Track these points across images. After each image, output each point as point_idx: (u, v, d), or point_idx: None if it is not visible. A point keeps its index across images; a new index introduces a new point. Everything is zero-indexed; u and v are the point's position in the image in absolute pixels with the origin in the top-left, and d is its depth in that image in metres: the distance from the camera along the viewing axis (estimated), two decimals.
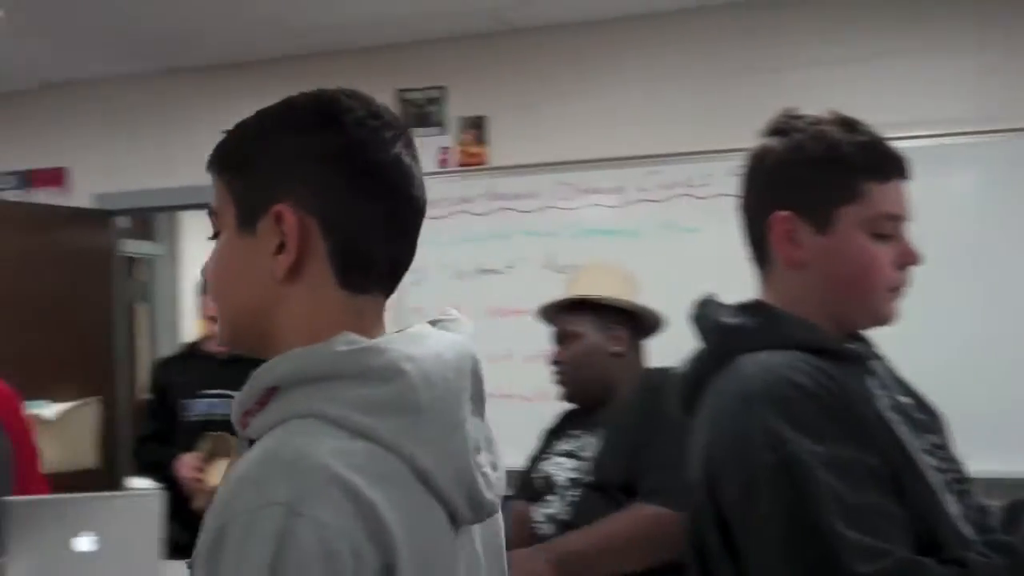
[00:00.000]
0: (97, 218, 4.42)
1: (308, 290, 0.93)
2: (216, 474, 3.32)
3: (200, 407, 3.42)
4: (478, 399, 0.97)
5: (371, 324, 0.94)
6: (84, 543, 2.41)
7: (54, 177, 4.48)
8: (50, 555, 2.41)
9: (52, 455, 3.56)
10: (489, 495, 0.95)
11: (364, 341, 0.89)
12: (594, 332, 2.25)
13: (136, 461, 3.56)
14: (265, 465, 0.81)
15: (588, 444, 2.21)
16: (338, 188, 0.92)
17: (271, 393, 0.89)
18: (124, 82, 4.39)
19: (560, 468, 2.22)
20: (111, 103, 4.44)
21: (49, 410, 3.88)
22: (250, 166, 0.93)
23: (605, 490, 2.09)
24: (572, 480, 2.18)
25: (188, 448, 3.31)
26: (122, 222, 4.75)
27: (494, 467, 0.98)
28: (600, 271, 2.41)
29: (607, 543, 2.01)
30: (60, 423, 3.85)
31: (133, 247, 5.36)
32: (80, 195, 4.45)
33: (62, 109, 4.49)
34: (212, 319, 3.51)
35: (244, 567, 0.76)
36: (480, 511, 0.94)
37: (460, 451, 0.91)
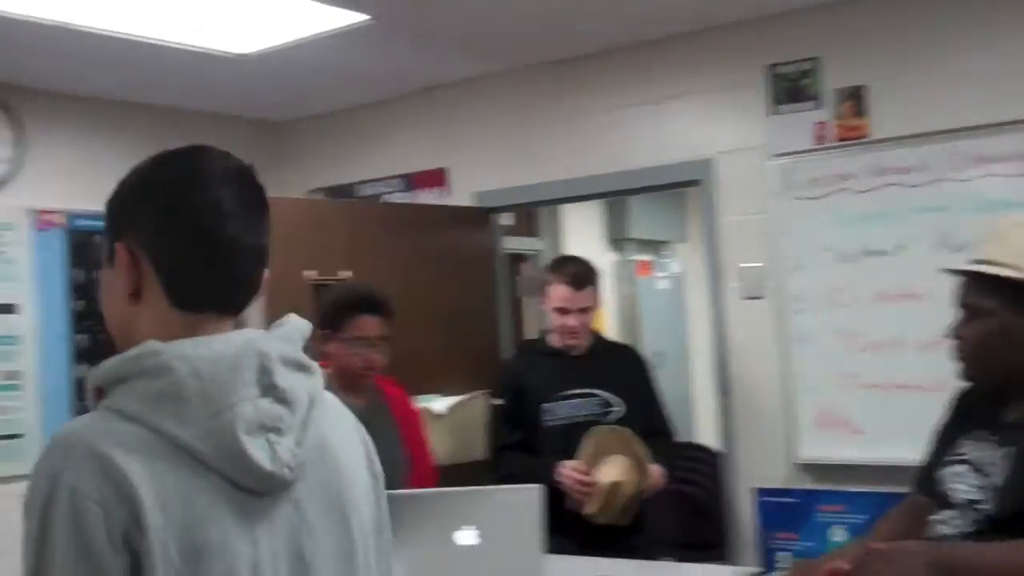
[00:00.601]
0: (478, 216, 5.10)
1: (149, 310, 1.34)
2: (608, 472, 3.54)
3: (563, 410, 3.69)
4: (269, 387, 1.29)
5: (207, 336, 1.30)
6: (466, 537, 2.67)
7: (435, 178, 5.23)
8: (433, 548, 2.70)
9: (443, 448, 4.01)
10: (272, 467, 1.26)
11: (149, 347, 1.25)
12: (1008, 313, 2.13)
13: (496, 471, 3.77)
14: (47, 447, 1.22)
15: (991, 457, 2.14)
16: (158, 229, 1.33)
17: (100, 393, 1.28)
18: (495, 80, 5.00)
19: (959, 481, 2.17)
20: (485, 102, 5.07)
21: (440, 404, 4.48)
22: (108, 211, 1.38)
23: (1013, 524, 2.01)
24: (970, 502, 2.13)
25: (553, 455, 3.56)
26: (505, 219, 5.35)
27: (297, 443, 1.31)
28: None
29: (1010, 571, 1.95)
30: (450, 416, 4.44)
31: (517, 244, 6.03)
32: (461, 194, 5.14)
33: (440, 111, 5.19)
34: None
35: (27, 527, 1.19)
36: (267, 481, 1.27)
37: (226, 430, 1.24)
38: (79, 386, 4.82)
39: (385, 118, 5.45)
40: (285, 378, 1.33)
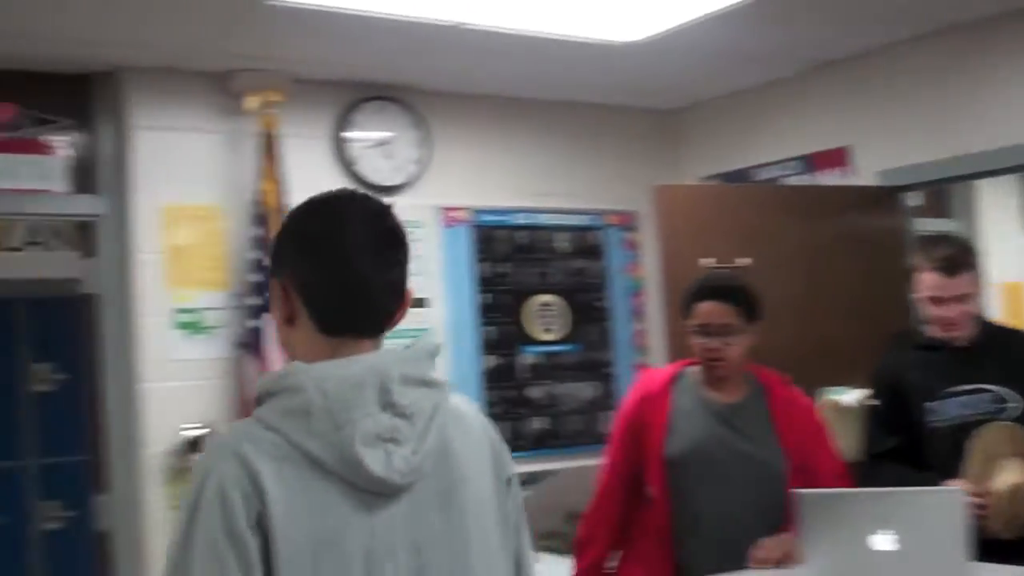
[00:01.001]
0: (884, 196, 4.79)
1: (302, 333, 1.61)
2: (1005, 478, 3.13)
3: (950, 409, 3.27)
4: (388, 403, 1.52)
5: (343, 358, 1.55)
6: (883, 541, 2.55)
7: (836, 157, 4.94)
8: (845, 551, 2.60)
9: (853, 443, 3.72)
10: (385, 473, 1.50)
11: (291, 367, 1.54)
12: None
13: (866, 484, 3.20)
14: (207, 447, 1.58)
15: None
16: (303, 268, 1.60)
17: (258, 402, 1.55)
18: (900, 49, 4.66)
19: None
20: (889, 73, 4.75)
21: (849, 396, 4.25)
22: (270, 251, 1.68)
23: None
24: None
25: (941, 460, 3.17)
26: (913, 199, 5.00)
27: (418, 455, 1.54)
28: None
29: None
30: (861, 409, 4.01)
31: (927, 225, 5.46)
32: (864, 174, 4.83)
33: (840, 86, 4.93)
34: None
35: (182, 508, 1.48)
36: (380, 484, 1.50)
37: (345, 442, 1.49)
38: (487, 377, 5.01)
39: (779, 98, 5.26)
40: (404, 395, 1.55)
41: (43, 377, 6.29)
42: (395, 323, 1.66)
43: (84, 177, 4.42)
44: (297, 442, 1.50)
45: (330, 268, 1.60)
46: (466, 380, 4.95)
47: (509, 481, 1.73)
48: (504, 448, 1.75)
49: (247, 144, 4.54)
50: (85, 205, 4.41)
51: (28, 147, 4.31)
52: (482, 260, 5.11)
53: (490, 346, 5.07)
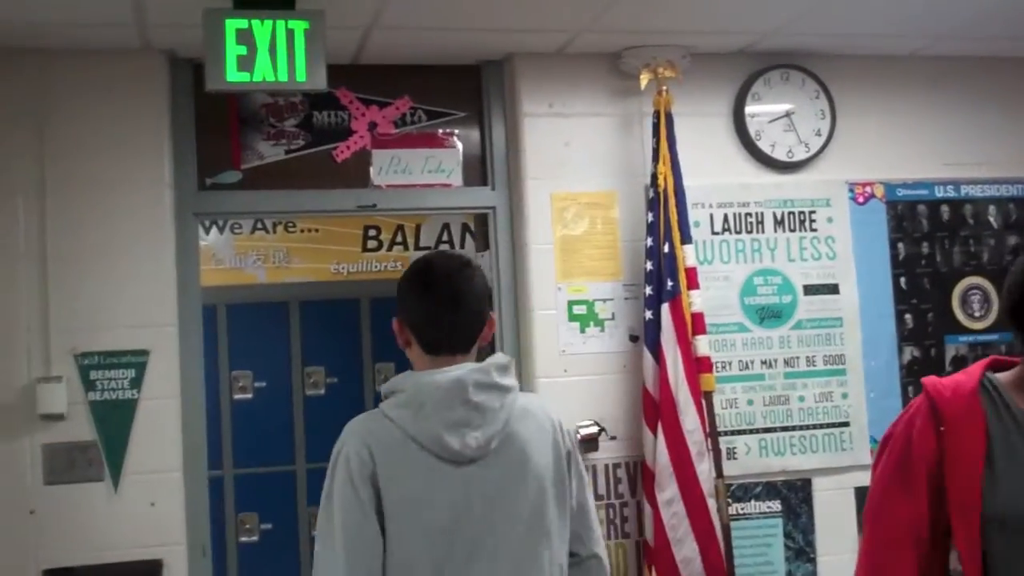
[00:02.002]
0: None
1: (416, 352, 2.37)
2: None
3: None
4: (469, 404, 2.25)
5: (440, 368, 2.29)
6: None
7: None
8: None
9: None
10: (461, 448, 2.23)
11: (403, 376, 2.33)
12: None
13: None
14: (346, 428, 2.31)
15: None
16: (409, 309, 2.36)
17: (385, 398, 2.33)
18: None
19: None
20: None
21: None
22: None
23: None
24: None
25: None
26: None
27: (486, 435, 2.26)
28: None
29: None
30: None
31: None
32: None
33: None
34: None
35: (328, 470, 2.25)
36: (457, 455, 2.23)
37: (434, 427, 2.22)
38: (906, 370, 4.57)
39: None
40: (478, 395, 2.28)
41: None
42: (481, 341, 2.42)
43: (477, 169, 4.41)
44: (402, 427, 2.27)
45: (427, 309, 2.37)
46: (882, 373, 4.56)
47: (568, 455, 2.42)
48: (564, 432, 2.44)
49: (641, 126, 4.40)
50: (479, 197, 4.40)
51: (423, 141, 4.35)
52: (898, 239, 4.68)
53: (909, 336, 4.63)
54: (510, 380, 2.36)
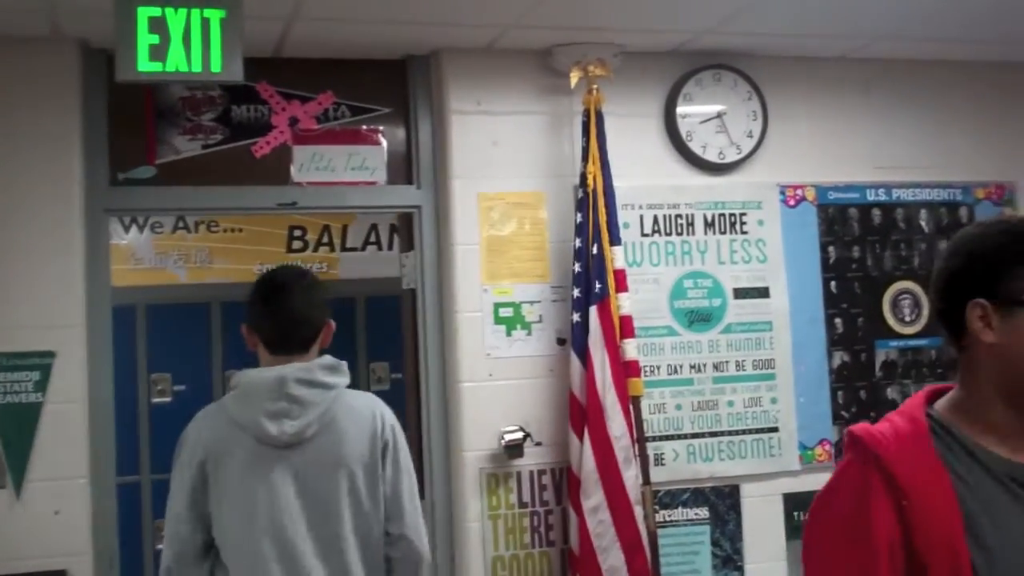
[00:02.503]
0: None
1: (261, 352, 2.87)
2: None
3: None
4: (288, 397, 2.72)
5: (273, 366, 2.79)
6: None
7: None
8: None
9: None
10: (277, 433, 2.71)
11: (240, 373, 2.84)
12: None
13: None
14: (195, 417, 2.90)
15: None
16: (252, 314, 2.89)
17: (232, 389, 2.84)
18: None
19: None
20: None
21: None
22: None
23: None
24: None
25: None
26: None
27: (302, 424, 2.74)
28: None
29: None
30: None
31: None
32: None
33: None
34: None
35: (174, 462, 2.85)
36: (274, 440, 2.71)
37: (253, 413, 2.70)
38: (836, 375, 4.56)
39: None
40: (298, 390, 2.75)
41: (381, 376, 6.45)
42: (316, 345, 2.91)
43: (402, 167, 4.33)
44: (232, 414, 2.77)
45: (264, 314, 2.87)
46: (811, 377, 4.56)
47: (385, 446, 2.86)
48: (388, 427, 2.89)
49: (570, 125, 4.35)
50: (404, 196, 4.32)
51: (346, 137, 4.26)
52: (829, 243, 4.67)
53: (840, 340, 4.62)
54: (335, 379, 2.83)
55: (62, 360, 3.79)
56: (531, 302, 4.25)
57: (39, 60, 3.87)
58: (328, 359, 2.85)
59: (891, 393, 4.67)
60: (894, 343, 4.71)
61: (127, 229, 6.43)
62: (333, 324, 2.96)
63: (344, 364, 2.89)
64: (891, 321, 4.72)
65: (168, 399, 6.39)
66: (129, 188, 4.08)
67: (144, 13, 3.29)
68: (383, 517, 2.83)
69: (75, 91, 3.92)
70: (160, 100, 4.14)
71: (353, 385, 2.97)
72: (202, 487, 2.75)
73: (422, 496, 3.95)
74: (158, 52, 3.30)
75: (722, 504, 4.40)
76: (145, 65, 3.30)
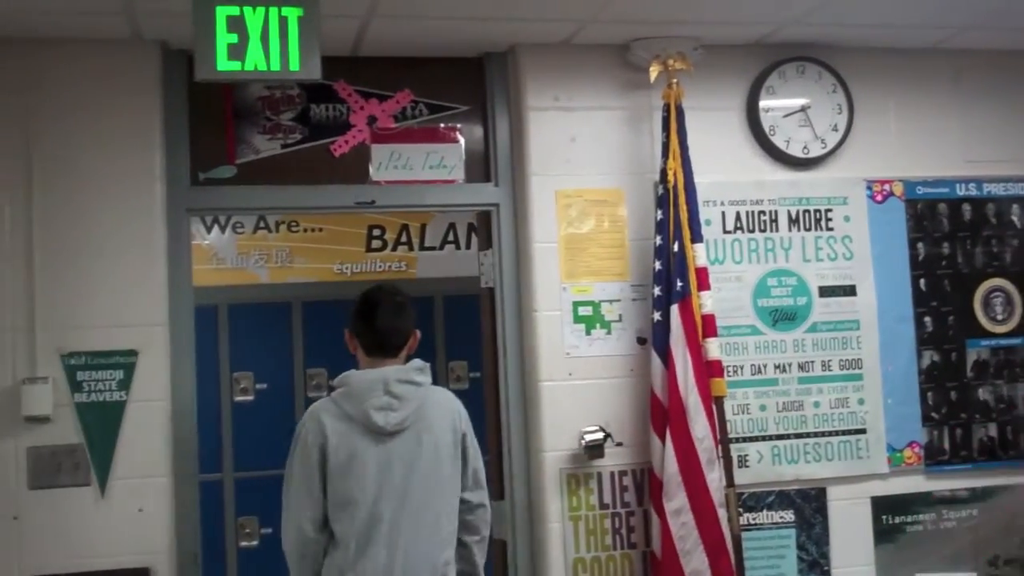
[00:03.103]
0: None
1: (360, 356, 3.41)
2: None
3: None
4: (390, 393, 3.25)
5: (373, 368, 3.34)
6: None
7: None
8: None
9: None
10: (384, 424, 3.23)
11: (349, 372, 3.36)
12: None
13: None
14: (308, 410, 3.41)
15: None
16: (354, 324, 3.41)
17: (333, 389, 3.36)
18: None
19: None
20: None
21: None
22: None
23: None
24: None
25: None
26: None
27: (401, 416, 3.26)
28: None
29: None
30: None
31: None
32: None
33: None
34: None
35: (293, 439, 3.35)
36: (379, 430, 3.23)
37: (362, 407, 3.23)
38: (925, 375, 4.42)
39: None
40: (398, 388, 3.26)
41: (460, 375, 6.42)
42: (405, 351, 3.41)
43: (480, 164, 4.28)
44: (344, 408, 3.26)
45: (365, 324, 3.38)
46: (899, 377, 4.45)
47: (463, 432, 3.39)
48: (460, 415, 3.41)
49: (650, 120, 4.27)
50: (482, 194, 4.28)
51: (424, 136, 4.23)
52: (918, 239, 4.54)
53: (929, 339, 4.48)
54: (424, 378, 3.35)
55: (145, 359, 3.81)
56: (611, 301, 4.18)
57: (120, 62, 3.89)
58: (418, 362, 3.38)
59: (983, 394, 4.52)
60: (985, 342, 4.56)
61: (209, 229, 6.48)
62: (419, 334, 3.44)
63: (428, 365, 3.40)
64: (982, 320, 4.56)
65: (250, 397, 6.41)
66: (210, 188, 4.08)
67: (223, 12, 3.29)
68: (460, 490, 3.37)
69: (156, 92, 3.93)
70: (239, 100, 4.14)
71: (433, 383, 3.36)
72: (321, 469, 3.23)
73: (501, 496, 3.98)
74: (237, 51, 3.30)
75: (808, 507, 4.29)
76: (224, 64, 3.30)
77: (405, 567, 3.21)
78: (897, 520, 4.38)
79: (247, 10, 3.30)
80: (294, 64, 3.33)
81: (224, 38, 3.29)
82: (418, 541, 3.24)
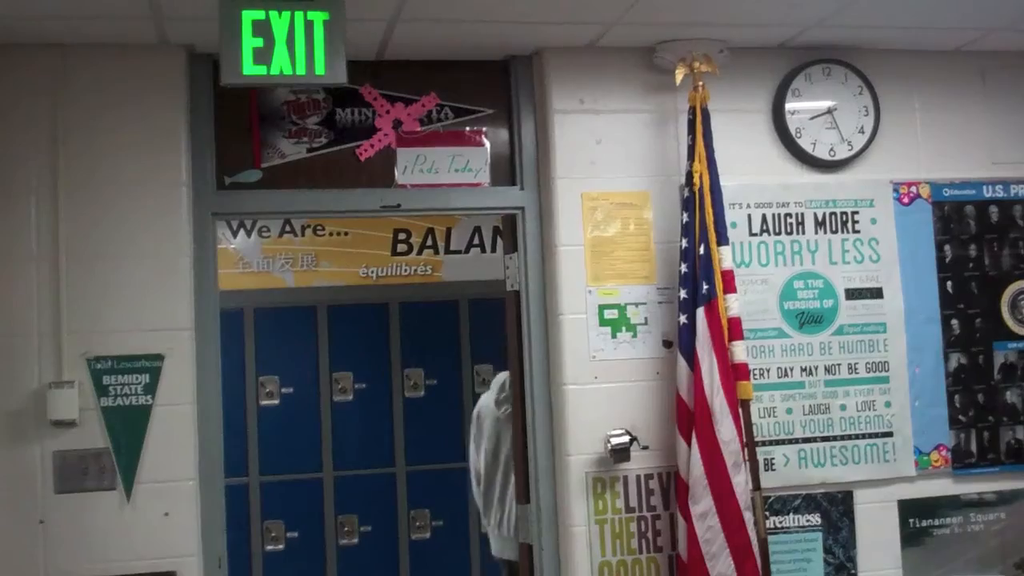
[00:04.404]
0: None
1: None
2: None
3: None
4: (501, 389, 5.08)
5: (499, 374, 5.47)
6: None
7: None
8: None
9: None
10: (502, 412, 5.10)
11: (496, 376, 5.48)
12: None
13: None
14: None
15: None
16: None
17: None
18: None
19: None
20: None
21: None
22: None
23: None
24: None
25: None
26: None
27: (507, 407, 4.83)
28: None
29: None
30: None
31: None
32: None
33: None
34: None
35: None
36: (502, 414, 5.06)
37: (490, 399, 5.30)
38: (953, 378, 4.34)
39: None
40: (506, 388, 4.85)
41: (486, 378, 6.37)
42: None
43: (506, 168, 4.22)
44: (487, 399, 5.34)
45: None
46: (926, 380, 4.36)
47: None
48: None
49: (675, 123, 4.21)
50: (507, 197, 4.22)
51: (450, 139, 4.18)
52: (945, 241, 4.45)
53: (956, 342, 4.40)
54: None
55: (171, 363, 3.77)
56: (636, 304, 4.11)
57: (147, 67, 3.85)
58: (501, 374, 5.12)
59: (1010, 396, 4.43)
60: (1013, 344, 4.47)
61: (235, 233, 6.45)
62: None
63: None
64: (1010, 322, 4.48)
65: (276, 401, 6.39)
66: (236, 192, 4.04)
67: (248, 16, 3.25)
68: None
69: (181, 96, 3.89)
70: (265, 104, 4.10)
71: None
72: (478, 439, 5.27)
73: (527, 500, 3.93)
74: (262, 55, 3.26)
75: (835, 510, 4.21)
76: (250, 68, 3.26)
77: None
78: (924, 523, 4.30)
79: (273, 14, 3.26)
80: (320, 68, 3.28)
81: (250, 42, 3.25)
82: None
